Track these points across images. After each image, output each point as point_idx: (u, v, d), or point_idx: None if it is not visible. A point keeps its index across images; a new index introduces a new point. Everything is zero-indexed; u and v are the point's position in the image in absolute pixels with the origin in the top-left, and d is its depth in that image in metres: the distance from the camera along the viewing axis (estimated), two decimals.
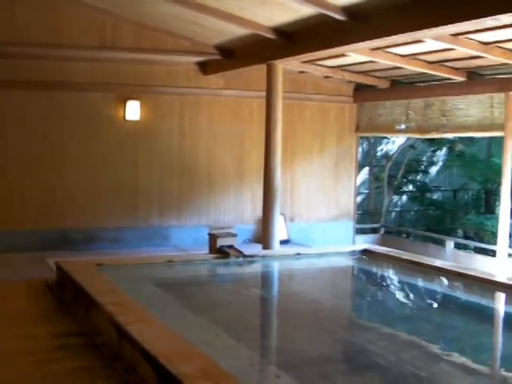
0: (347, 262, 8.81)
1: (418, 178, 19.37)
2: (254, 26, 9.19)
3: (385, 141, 18.44)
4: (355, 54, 9.83)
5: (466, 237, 16.14)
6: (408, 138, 16.39)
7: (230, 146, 12.55)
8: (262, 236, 10.31)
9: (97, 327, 5.03)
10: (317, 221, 13.47)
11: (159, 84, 11.83)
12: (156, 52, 11.44)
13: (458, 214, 18.08)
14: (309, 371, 4.58)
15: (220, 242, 8.19)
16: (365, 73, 12.30)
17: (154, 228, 12.06)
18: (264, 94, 10.17)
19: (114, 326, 4.63)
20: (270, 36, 9.24)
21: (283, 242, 11.72)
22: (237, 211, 12.70)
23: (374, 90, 13.19)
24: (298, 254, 8.63)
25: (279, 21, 8.89)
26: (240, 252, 7.95)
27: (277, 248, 10.04)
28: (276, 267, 8.68)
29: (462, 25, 6.45)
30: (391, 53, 9.92)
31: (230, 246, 8.07)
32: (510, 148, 10.34)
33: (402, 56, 10.11)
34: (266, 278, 8.58)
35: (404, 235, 16.87)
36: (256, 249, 9.97)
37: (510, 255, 10.87)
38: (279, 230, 10.45)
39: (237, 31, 9.82)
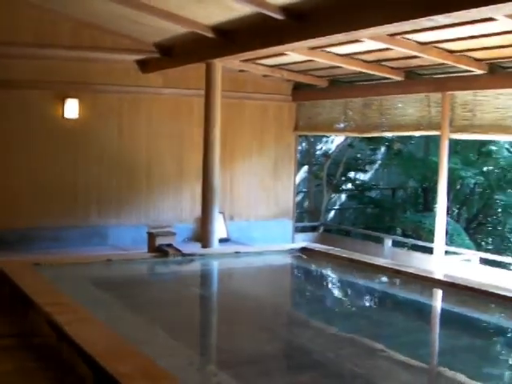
0: (286, 260, 8.87)
1: (357, 176, 19.52)
2: (193, 24, 9.16)
3: (324, 139, 18.53)
4: (294, 53, 9.86)
5: (405, 235, 16.31)
6: (347, 137, 16.50)
7: (169, 144, 12.49)
8: (201, 235, 10.29)
9: (34, 328, 4.98)
10: (256, 219, 13.48)
11: (98, 82, 11.71)
12: (95, 50, 11.31)
13: (397, 212, 18.26)
14: (247, 369, 4.58)
15: (159, 241, 8.15)
16: (304, 72, 12.35)
17: (93, 227, 11.95)
18: (204, 92, 10.16)
19: (51, 326, 4.58)
20: (209, 35, 9.21)
21: (222, 241, 11.73)
22: (176, 210, 12.65)
23: (313, 88, 13.26)
24: (237, 253, 8.64)
25: (218, 19, 8.87)
26: (179, 251, 7.95)
27: (216, 247, 10.03)
28: (215, 266, 8.69)
29: (398, 25, 6.51)
30: (330, 52, 9.98)
31: (169, 245, 8.05)
32: (446, 147, 10.49)
33: (341, 55, 10.17)
34: (205, 277, 8.58)
35: (343, 233, 16.98)
36: (195, 247, 9.95)
37: (446, 252, 11.02)
38: (218, 229, 10.44)
39: (176, 29, 9.78)
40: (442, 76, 10.53)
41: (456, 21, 6.56)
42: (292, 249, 9.15)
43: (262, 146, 13.54)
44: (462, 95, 10.38)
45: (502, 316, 6.53)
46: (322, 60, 10.26)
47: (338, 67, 10.89)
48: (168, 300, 6.80)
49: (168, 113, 12.44)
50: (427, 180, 17.35)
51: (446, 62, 9.38)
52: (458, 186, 17.69)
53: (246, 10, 8.11)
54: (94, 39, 11.29)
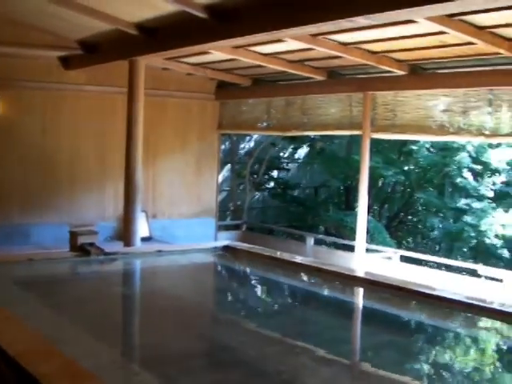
0: (209, 258, 8.88)
1: (280, 175, 19.65)
2: (116, 21, 9.09)
3: (247, 138, 18.60)
4: (217, 52, 9.87)
5: (327, 233, 16.49)
6: (269, 136, 16.60)
7: (92, 142, 12.36)
8: (124, 233, 10.23)
9: None
10: (179, 218, 13.46)
11: (20, 78, 11.47)
12: (17, 45, 11.07)
13: (319, 210, 18.43)
14: (170, 368, 4.58)
15: (81, 240, 8.07)
16: (227, 70, 12.37)
17: (16, 226, 11.73)
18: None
19: None
20: (133, 32, 9.16)
21: (145, 240, 11.68)
22: (99, 209, 12.54)
23: (237, 87, 13.29)
24: (160, 251, 8.61)
25: (141, 17, 8.82)
26: (101, 250, 7.88)
27: (138, 245, 9.98)
28: (138, 265, 8.64)
29: (320, 26, 6.57)
30: (253, 51, 10.02)
31: (91, 244, 7.97)
32: (367, 146, 10.64)
33: (264, 55, 10.22)
34: (127, 276, 8.53)
35: (266, 232, 17.08)
36: (117, 246, 9.88)
37: (368, 250, 11.18)
38: (141, 228, 10.41)
39: (100, 26, 9.68)
40: (364, 76, 10.67)
41: (376, 22, 6.66)
42: (214, 247, 9.16)
43: (185, 145, 13.52)
44: (383, 95, 10.53)
45: (422, 313, 6.66)
46: (245, 59, 10.30)
47: (262, 66, 10.93)
48: (90, 299, 6.73)
49: (91, 110, 12.29)
50: (349, 179, 17.57)
51: (367, 62, 9.50)
52: (380, 185, 17.96)
53: (170, 8, 8.09)
54: (16, 35, 11.06)
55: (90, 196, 12.47)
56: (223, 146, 16.56)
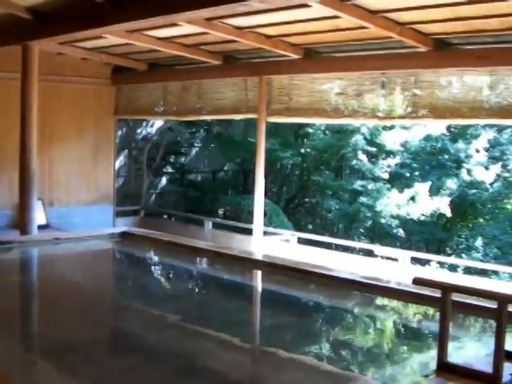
0: (106, 245, 8.83)
1: (178, 159, 19.60)
2: (8, 4, 8.87)
3: (144, 123, 18.47)
4: (112, 36, 9.76)
5: (226, 217, 16.53)
6: (167, 121, 16.54)
7: None
8: (20, 222, 10.05)
9: None
10: (77, 205, 13.29)
11: None
12: None
13: (218, 194, 18.48)
14: (69, 356, 4.54)
15: None
16: (123, 55, 12.25)
17: None
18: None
19: None
20: (26, 16, 8.97)
21: (42, 227, 11.49)
22: None
23: (133, 72, 13.18)
24: (57, 239, 8.52)
25: (34, 1, 8.65)
26: None
27: (35, 233, 9.83)
28: (35, 253, 8.52)
29: (214, 9, 6.58)
30: (148, 35, 9.94)
31: None
32: (263, 130, 10.71)
33: (160, 39, 10.15)
34: (24, 264, 8.40)
35: (165, 217, 17.04)
36: (14, 235, 9.71)
37: (265, 233, 11.27)
38: (38, 216, 10.24)
39: None
40: (260, 60, 10.73)
41: (271, 6, 6.71)
42: (112, 233, 9.11)
43: (81, 131, 13.34)
44: (279, 79, 10.61)
45: (321, 294, 6.76)
46: (140, 43, 10.22)
47: (157, 51, 10.86)
48: None
49: None
50: (247, 162, 17.65)
51: (262, 46, 9.56)
52: (278, 168, 18.11)
53: None
54: None
55: None
56: (120, 132, 16.40)
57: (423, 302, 5.81)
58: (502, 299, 3.80)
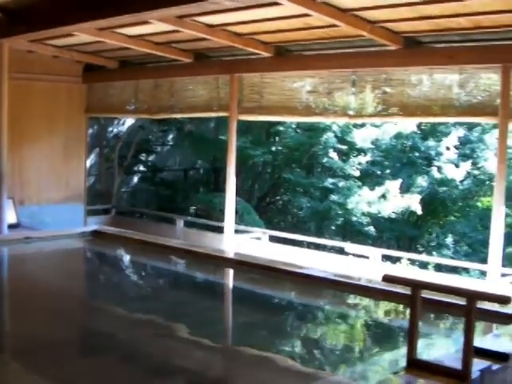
0: (77, 244, 8.80)
1: (149, 158, 19.55)
2: None
3: (116, 122, 18.40)
4: (83, 34, 9.72)
5: (197, 215, 16.52)
6: (138, 119, 16.48)
7: None
8: None
9: None
10: (47, 204, 13.19)
11: None
12: None
13: (189, 192, 18.46)
14: (40, 357, 4.53)
15: None
16: (94, 53, 12.18)
17: None
18: None
19: None
20: None
21: (13, 226, 11.41)
22: None
23: (104, 70, 13.12)
24: (28, 238, 8.47)
25: None
26: None
27: (5, 233, 9.78)
28: (5, 252, 8.48)
29: (183, 7, 6.58)
30: (119, 33, 9.91)
31: None
32: (234, 127, 10.69)
33: (130, 37, 10.12)
34: None
35: (136, 216, 16.99)
36: None
37: (237, 231, 11.26)
38: (8, 214, 10.19)
39: None
40: (231, 58, 10.72)
41: (241, 4, 6.71)
42: (83, 232, 9.08)
43: (52, 129, 13.25)
44: (250, 77, 10.61)
45: (292, 291, 6.79)
46: (111, 41, 10.18)
47: (129, 48, 10.82)
48: None
49: None
50: (218, 160, 17.64)
51: (234, 44, 9.56)
52: (250, 166, 18.12)
53: None
54: None
55: None
56: (91, 130, 16.32)
57: (394, 300, 5.85)
58: (471, 296, 3.83)
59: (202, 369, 4.56)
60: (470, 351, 3.81)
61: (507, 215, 14.85)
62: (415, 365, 3.97)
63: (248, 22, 8.64)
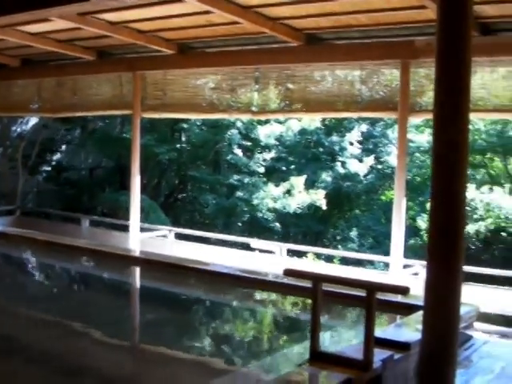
0: None
1: (54, 157, 19.28)
2: None
3: (19, 121, 18.08)
4: None
5: (104, 214, 16.38)
6: (42, 118, 16.25)
7: None
8: None
9: None
10: None
11: None
12: None
13: (95, 191, 18.28)
14: None
15: None
16: None
17: None
18: None
19: None
20: None
21: None
22: None
23: (6, 68, 12.87)
24: None
25: None
26: None
27: None
28: None
29: (84, 4, 6.53)
30: (20, 31, 9.73)
31: None
32: (138, 125, 10.64)
33: (32, 34, 9.94)
34: None
35: (42, 216, 16.73)
36: None
37: (142, 229, 11.19)
38: None
39: None
40: (134, 56, 10.66)
41: (143, 1, 6.69)
42: None
43: None
44: (153, 75, 10.58)
45: (199, 289, 6.82)
46: (12, 38, 9.98)
47: (30, 46, 10.65)
48: None
49: None
50: (124, 158, 17.49)
51: (136, 41, 9.52)
52: (156, 163, 18.05)
53: None
54: None
55: None
56: None
57: (299, 294, 5.92)
58: (370, 288, 3.92)
59: (113, 368, 4.56)
60: (371, 341, 3.90)
61: (410, 208, 15.27)
62: (318, 356, 4.04)
63: (151, 19, 8.61)
